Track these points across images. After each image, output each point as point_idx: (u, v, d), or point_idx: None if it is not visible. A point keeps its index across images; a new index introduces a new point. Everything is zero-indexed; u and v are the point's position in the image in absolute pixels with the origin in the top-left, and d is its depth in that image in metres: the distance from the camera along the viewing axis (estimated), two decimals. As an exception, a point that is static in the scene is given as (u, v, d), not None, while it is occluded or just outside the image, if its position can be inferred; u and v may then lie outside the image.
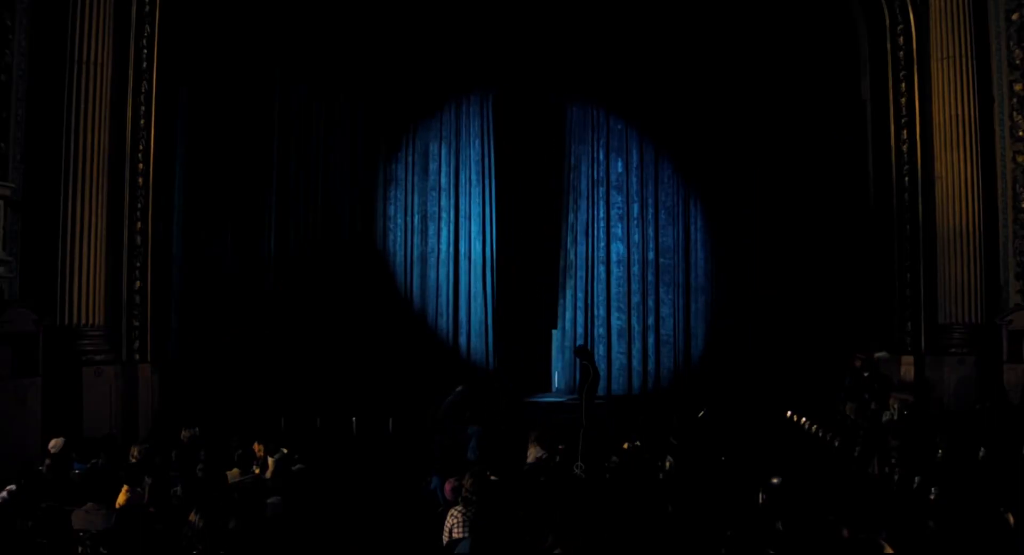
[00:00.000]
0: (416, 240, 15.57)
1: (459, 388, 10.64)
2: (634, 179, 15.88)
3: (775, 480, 6.32)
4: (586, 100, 15.85)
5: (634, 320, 15.61)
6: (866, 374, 11.27)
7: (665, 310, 15.58)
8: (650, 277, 15.60)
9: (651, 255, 15.63)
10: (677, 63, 14.91)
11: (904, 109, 12.49)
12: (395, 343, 14.86)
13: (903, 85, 12.49)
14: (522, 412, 10.46)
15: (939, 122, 12.00)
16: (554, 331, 16.88)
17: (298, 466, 8.07)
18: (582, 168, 15.82)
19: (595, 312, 15.77)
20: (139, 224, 11.60)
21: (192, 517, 4.65)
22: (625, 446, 8.73)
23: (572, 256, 15.80)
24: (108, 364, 10.95)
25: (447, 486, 6.56)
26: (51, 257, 10.50)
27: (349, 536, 6.01)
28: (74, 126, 10.60)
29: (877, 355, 11.92)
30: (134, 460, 7.69)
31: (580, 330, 15.73)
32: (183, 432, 9.17)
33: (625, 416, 12.93)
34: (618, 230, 15.88)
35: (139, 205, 11.60)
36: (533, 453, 8.54)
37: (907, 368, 12.28)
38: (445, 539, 6.07)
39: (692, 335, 15.37)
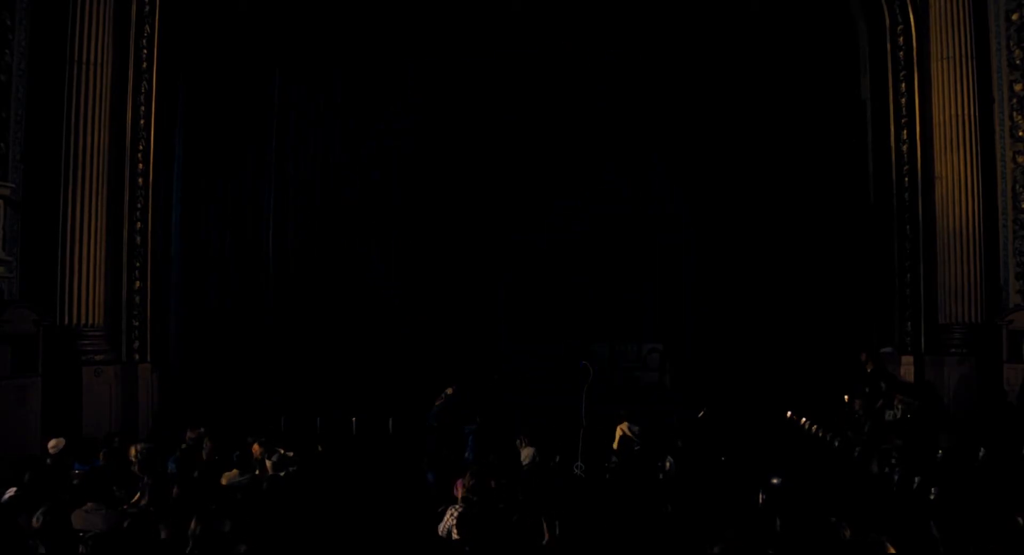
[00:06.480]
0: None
1: (448, 391, 10.54)
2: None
3: (775, 480, 6.34)
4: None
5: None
6: (869, 370, 11.26)
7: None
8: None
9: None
10: (676, 60, 14.90)
11: (904, 109, 12.46)
12: (394, 342, 14.83)
13: (903, 85, 12.46)
14: (516, 411, 10.38)
15: (939, 122, 11.98)
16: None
17: (292, 468, 8.03)
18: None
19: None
20: (139, 224, 11.58)
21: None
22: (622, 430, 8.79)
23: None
24: (108, 364, 10.95)
25: (457, 485, 6.58)
26: (51, 257, 10.48)
27: (344, 535, 6.01)
28: (74, 126, 10.59)
29: (883, 350, 11.91)
30: (133, 459, 7.69)
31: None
32: (188, 433, 9.15)
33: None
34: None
35: (139, 205, 11.57)
36: (526, 454, 8.57)
37: (907, 368, 12.26)
38: (442, 532, 6.08)
39: (691, 335, 15.33)
